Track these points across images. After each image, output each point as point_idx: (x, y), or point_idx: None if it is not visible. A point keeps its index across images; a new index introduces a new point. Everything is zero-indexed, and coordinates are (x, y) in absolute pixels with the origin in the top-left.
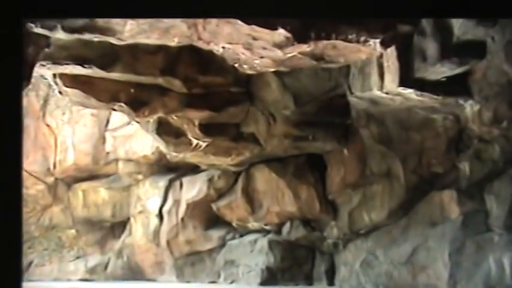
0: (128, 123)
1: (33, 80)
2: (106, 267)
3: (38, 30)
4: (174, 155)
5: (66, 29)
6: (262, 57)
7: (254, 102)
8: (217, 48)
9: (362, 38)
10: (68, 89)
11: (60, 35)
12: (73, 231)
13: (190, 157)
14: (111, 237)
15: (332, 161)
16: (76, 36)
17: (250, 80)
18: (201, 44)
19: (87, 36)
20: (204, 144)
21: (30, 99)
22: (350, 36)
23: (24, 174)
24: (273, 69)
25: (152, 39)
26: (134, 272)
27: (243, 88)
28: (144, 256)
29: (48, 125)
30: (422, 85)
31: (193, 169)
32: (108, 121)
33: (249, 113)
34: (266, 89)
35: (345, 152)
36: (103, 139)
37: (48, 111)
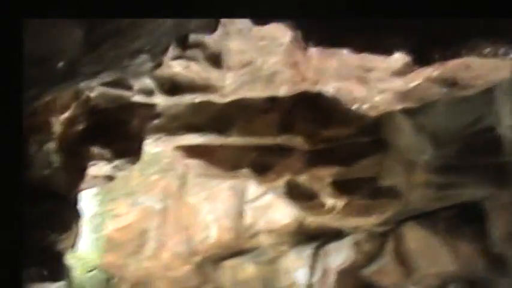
0: (265, 193)
1: (169, 160)
2: None
3: (136, 98)
4: (311, 220)
5: (164, 92)
6: (381, 92)
7: (387, 151)
8: (327, 89)
9: (501, 51)
10: (189, 161)
11: (158, 99)
12: None
13: (329, 221)
14: None
15: (490, 208)
16: (176, 99)
17: (378, 126)
18: (307, 86)
19: (187, 97)
20: (340, 205)
21: (168, 180)
22: (485, 51)
23: (171, 256)
24: (399, 106)
25: (257, 92)
26: None
27: (372, 136)
28: None
29: (188, 204)
30: None
31: (338, 234)
32: (245, 193)
33: (384, 163)
34: (398, 134)
35: (504, 196)
36: (243, 212)
37: (186, 190)
